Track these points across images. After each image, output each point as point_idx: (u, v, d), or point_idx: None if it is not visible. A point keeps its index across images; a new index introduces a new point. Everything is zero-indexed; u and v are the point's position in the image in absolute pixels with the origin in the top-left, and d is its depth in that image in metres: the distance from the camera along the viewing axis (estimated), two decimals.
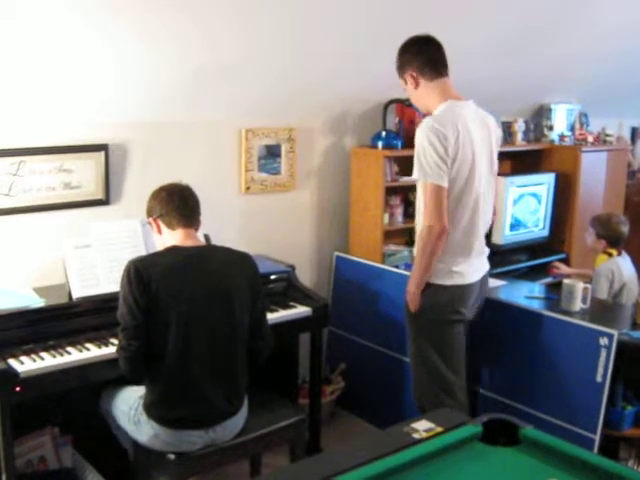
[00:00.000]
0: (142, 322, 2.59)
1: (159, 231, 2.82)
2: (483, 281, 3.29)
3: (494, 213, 3.39)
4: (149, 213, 2.83)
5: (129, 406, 2.81)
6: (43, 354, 2.83)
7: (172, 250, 2.73)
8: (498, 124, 4.93)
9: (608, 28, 4.80)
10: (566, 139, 5.29)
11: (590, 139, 5.34)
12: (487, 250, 3.30)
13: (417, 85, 3.08)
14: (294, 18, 3.45)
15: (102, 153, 3.41)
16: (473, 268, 3.17)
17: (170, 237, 2.78)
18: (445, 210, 2.95)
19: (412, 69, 3.06)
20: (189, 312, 2.63)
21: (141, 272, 2.58)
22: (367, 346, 4.17)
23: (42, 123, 3.24)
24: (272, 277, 3.67)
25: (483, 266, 3.28)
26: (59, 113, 3.25)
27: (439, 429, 2.03)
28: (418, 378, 3.24)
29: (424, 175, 2.94)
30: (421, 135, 2.94)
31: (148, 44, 3.17)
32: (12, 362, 2.72)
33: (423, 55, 3.05)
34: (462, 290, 3.12)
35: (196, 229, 2.83)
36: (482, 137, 3.08)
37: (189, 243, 2.76)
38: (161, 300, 2.59)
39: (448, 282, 3.08)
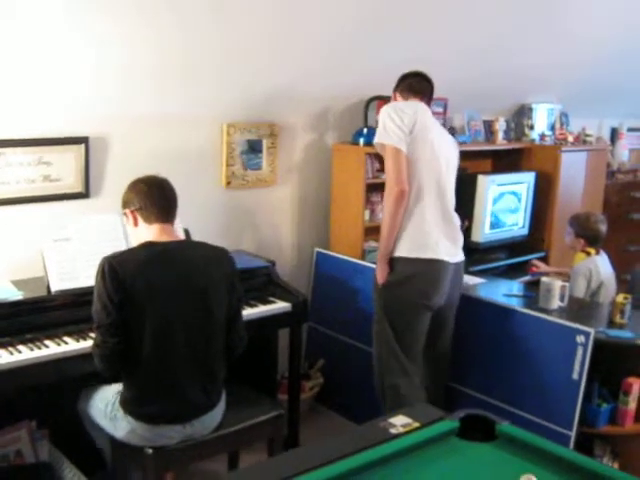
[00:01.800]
0: (117, 319, 2.56)
1: (135, 224, 2.77)
2: (457, 271, 3.36)
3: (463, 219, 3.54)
4: (125, 205, 2.78)
5: (105, 403, 2.79)
6: (21, 347, 2.81)
7: (147, 246, 2.69)
8: (479, 122, 5.02)
9: (585, 35, 4.85)
10: (546, 139, 5.32)
11: (570, 139, 5.37)
12: (461, 238, 3.38)
13: (394, 99, 3.52)
14: (277, 13, 3.45)
15: (82, 146, 3.39)
16: (445, 249, 3.25)
17: (146, 231, 2.74)
18: (403, 173, 3.14)
19: (397, 90, 3.52)
20: (165, 308, 2.61)
21: (115, 269, 2.55)
22: (346, 342, 4.18)
23: (22, 115, 3.21)
24: (252, 272, 3.66)
25: (457, 253, 3.35)
26: (39, 105, 3.23)
27: (416, 424, 2.05)
28: (378, 357, 3.37)
29: (383, 138, 3.20)
30: (383, 111, 3.28)
31: (129, 38, 3.16)
32: None
33: (406, 82, 3.49)
34: (430, 266, 3.20)
35: (172, 223, 2.79)
36: (440, 136, 3.37)
37: (165, 238, 2.72)
38: (136, 296, 2.57)
39: (414, 254, 3.18)
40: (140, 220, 2.75)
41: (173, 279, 2.65)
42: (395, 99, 3.49)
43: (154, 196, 2.72)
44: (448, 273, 3.28)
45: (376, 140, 3.26)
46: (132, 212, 2.76)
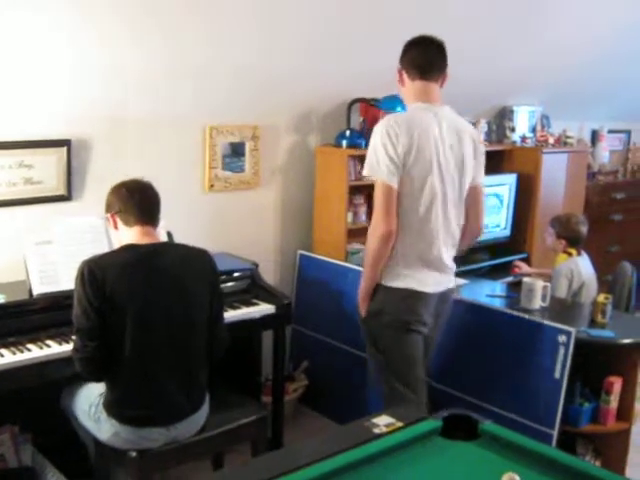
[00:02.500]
0: (97, 323, 2.55)
1: (115, 227, 2.77)
2: (443, 297, 3.10)
3: (477, 226, 3.17)
4: (107, 209, 2.78)
5: (89, 404, 2.78)
6: (3, 351, 2.80)
7: (127, 248, 2.69)
8: None
9: (570, 36, 4.89)
10: (527, 140, 5.36)
11: (551, 141, 5.41)
12: (452, 266, 3.10)
13: (402, 83, 3.07)
14: (259, 15, 3.46)
15: (64, 148, 3.37)
16: (431, 278, 3.00)
17: (126, 234, 2.73)
18: (393, 212, 2.86)
19: (401, 66, 3.06)
20: (145, 310, 2.61)
21: (95, 272, 2.54)
22: (330, 344, 4.18)
23: (2, 117, 3.19)
24: (235, 275, 3.67)
25: (445, 281, 3.08)
26: (20, 107, 3.21)
27: (399, 424, 2.05)
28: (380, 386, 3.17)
29: (373, 171, 2.90)
30: (376, 132, 2.92)
31: (111, 39, 3.16)
32: None
33: (409, 55, 3.03)
34: (412, 296, 2.96)
35: (154, 227, 2.78)
36: (451, 144, 2.96)
37: (145, 240, 2.71)
38: (116, 300, 2.56)
39: (396, 284, 2.94)
40: (120, 223, 2.74)
41: (154, 282, 2.64)
42: (401, 79, 3.06)
43: (134, 199, 2.71)
44: (432, 301, 3.02)
45: (365, 172, 2.97)
46: (112, 215, 2.76)
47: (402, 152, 2.84)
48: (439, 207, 2.94)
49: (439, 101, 3.02)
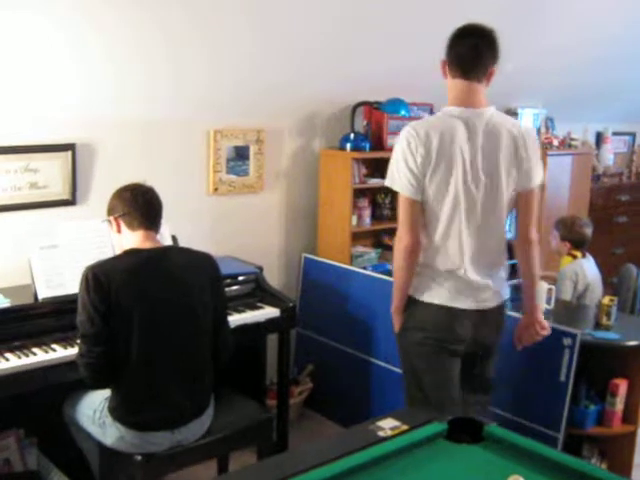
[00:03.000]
0: (102, 329, 2.55)
1: (118, 230, 2.77)
2: (484, 316, 2.81)
3: (525, 234, 2.87)
4: (110, 212, 2.78)
5: (94, 409, 2.78)
6: (8, 355, 2.80)
7: (130, 253, 2.69)
8: None
9: (574, 37, 4.88)
10: None
11: (556, 143, 5.41)
12: (491, 282, 2.81)
13: (444, 75, 2.85)
14: (263, 19, 3.46)
15: (69, 153, 3.38)
16: (462, 294, 2.77)
17: (129, 238, 2.74)
18: (415, 223, 2.73)
19: (445, 58, 2.83)
20: (150, 315, 2.61)
21: (100, 278, 2.54)
22: (335, 347, 4.18)
23: (8, 122, 3.20)
24: (240, 278, 3.67)
25: (482, 297, 2.80)
26: (26, 112, 3.23)
27: (404, 427, 2.05)
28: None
29: (394, 182, 2.75)
30: (397, 141, 2.75)
31: (116, 45, 3.16)
32: None
33: (453, 49, 2.79)
34: (443, 312, 2.77)
35: (156, 232, 2.78)
36: (483, 150, 2.71)
37: (148, 245, 2.71)
38: (121, 305, 2.56)
39: (426, 297, 2.78)
40: (123, 226, 2.74)
41: (158, 286, 2.65)
42: (443, 71, 2.84)
43: (138, 203, 2.72)
44: (469, 318, 2.78)
45: (386, 183, 2.79)
46: (116, 219, 2.76)
47: (420, 162, 2.67)
48: (463, 218, 2.73)
49: (483, 103, 2.76)
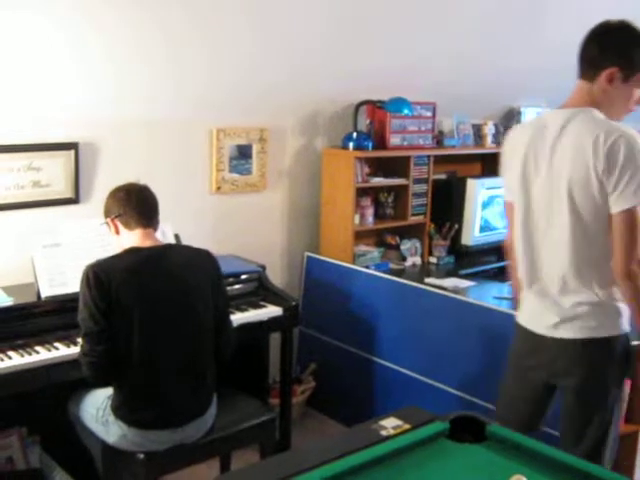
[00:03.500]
0: (104, 327, 2.55)
1: (117, 231, 2.76)
2: (560, 346, 2.47)
3: (615, 264, 2.36)
4: (106, 214, 2.78)
5: (97, 407, 2.79)
6: (11, 353, 2.81)
7: (130, 252, 2.68)
8: (468, 126, 5.01)
9: (577, 35, 4.86)
10: None
11: None
12: (572, 308, 2.43)
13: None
14: (265, 16, 3.46)
15: (72, 152, 3.39)
16: (531, 312, 2.56)
17: (128, 238, 2.73)
18: (509, 224, 2.65)
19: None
20: (151, 313, 2.61)
21: (100, 277, 2.54)
22: (338, 346, 4.18)
23: (11, 120, 3.21)
24: (243, 277, 3.67)
25: (549, 319, 2.48)
26: (28, 110, 3.23)
27: (407, 426, 2.05)
28: None
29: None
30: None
31: (118, 44, 3.17)
32: None
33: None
34: (518, 329, 2.62)
35: (155, 229, 2.78)
36: (560, 159, 2.39)
37: (148, 243, 2.72)
38: (122, 303, 2.56)
39: (518, 309, 2.66)
40: (121, 227, 2.74)
41: (159, 284, 2.65)
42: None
43: (133, 202, 2.72)
44: (536, 343, 2.54)
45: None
46: (112, 220, 2.75)
47: (502, 168, 2.62)
48: (524, 235, 2.52)
49: (579, 103, 2.45)
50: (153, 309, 2.62)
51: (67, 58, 3.11)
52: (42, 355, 2.83)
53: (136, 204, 2.72)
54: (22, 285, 3.20)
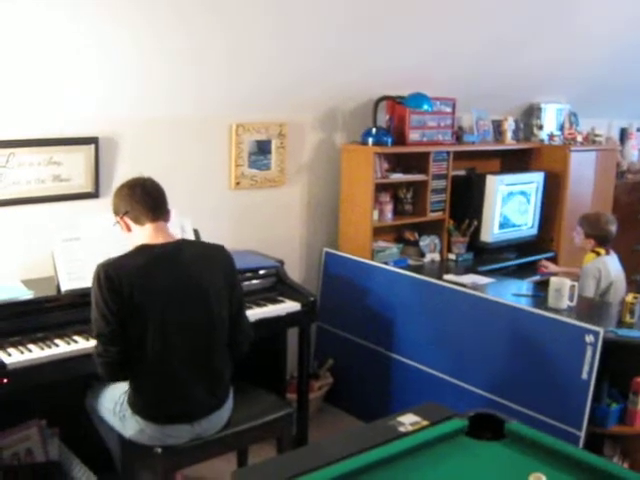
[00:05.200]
0: (116, 327, 2.54)
1: (128, 229, 2.74)
2: None
3: None
4: (115, 213, 2.76)
5: (114, 402, 2.79)
6: (31, 346, 2.83)
7: (142, 249, 2.66)
8: (488, 122, 4.99)
9: (598, 31, 4.83)
10: (555, 138, 5.31)
11: (579, 139, 5.36)
12: None
13: None
14: (284, 13, 3.45)
15: (92, 146, 3.40)
16: None
17: (140, 233, 2.71)
18: None
19: None
20: (165, 310, 2.60)
21: (111, 276, 2.52)
22: (355, 342, 4.18)
23: (32, 115, 3.22)
24: (261, 272, 3.67)
25: None
26: (49, 105, 3.24)
27: (425, 422, 2.05)
28: None
29: None
30: None
31: (138, 40, 3.17)
32: None
33: None
34: None
35: (165, 220, 2.75)
36: None
37: (160, 239, 2.69)
38: (135, 302, 2.54)
39: None
40: (131, 223, 2.73)
41: (172, 281, 2.63)
42: None
43: (137, 195, 2.69)
44: None
45: None
46: (122, 218, 2.74)
47: None
48: None
49: None
50: (166, 306, 2.60)
51: (90, 55, 3.12)
52: (61, 348, 2.85)
53: (141, 197, 2.69)
54: (42, 279, 3.22)
